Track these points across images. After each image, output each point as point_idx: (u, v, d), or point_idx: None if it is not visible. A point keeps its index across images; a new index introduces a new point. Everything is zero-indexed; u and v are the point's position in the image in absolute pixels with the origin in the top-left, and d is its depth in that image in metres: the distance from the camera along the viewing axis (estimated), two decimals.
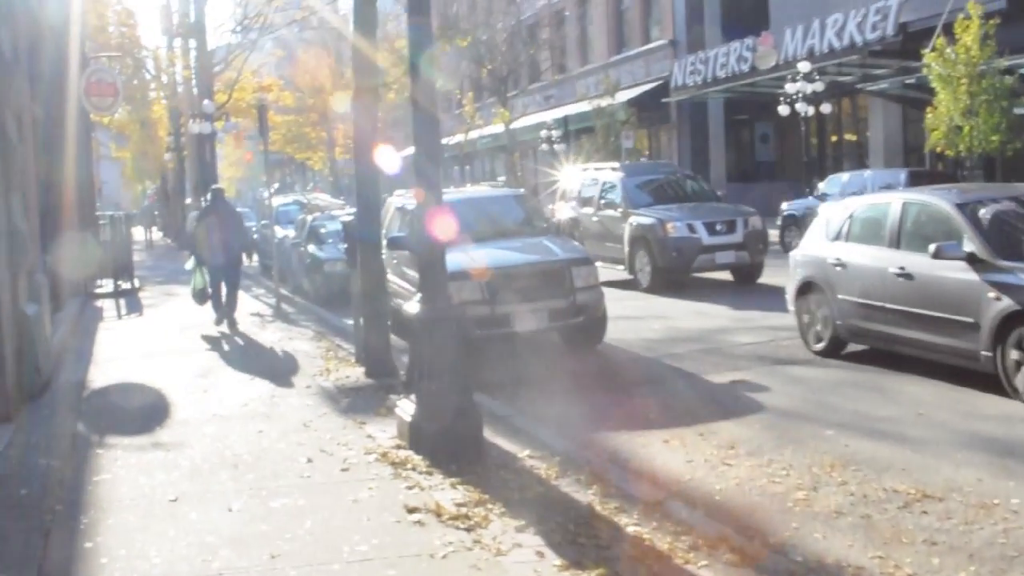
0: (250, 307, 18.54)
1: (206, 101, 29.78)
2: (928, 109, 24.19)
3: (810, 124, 30.43)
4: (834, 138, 35.53)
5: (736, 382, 9.84)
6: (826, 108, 29.08)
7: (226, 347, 13.87)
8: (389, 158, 11.35)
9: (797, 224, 24.88)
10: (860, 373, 9.95)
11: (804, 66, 28.32)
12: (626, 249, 18.34)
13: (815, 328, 10.82)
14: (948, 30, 25.73)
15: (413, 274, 12.03)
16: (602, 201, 19.62)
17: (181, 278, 20.04)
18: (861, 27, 28.54)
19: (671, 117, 41.04)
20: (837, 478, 6.62)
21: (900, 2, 27.09)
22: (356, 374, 10.68)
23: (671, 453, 7.55)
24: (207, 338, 14.62)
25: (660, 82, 40.39)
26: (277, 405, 9.46)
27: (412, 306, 7.78)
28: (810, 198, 25.37)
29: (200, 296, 15.87)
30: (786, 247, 24.97)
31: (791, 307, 11.30)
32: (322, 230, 20.30)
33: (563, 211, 19.85)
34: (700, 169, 39.80)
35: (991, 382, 8.50)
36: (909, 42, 27.78)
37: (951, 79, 23.44)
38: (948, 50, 23.58)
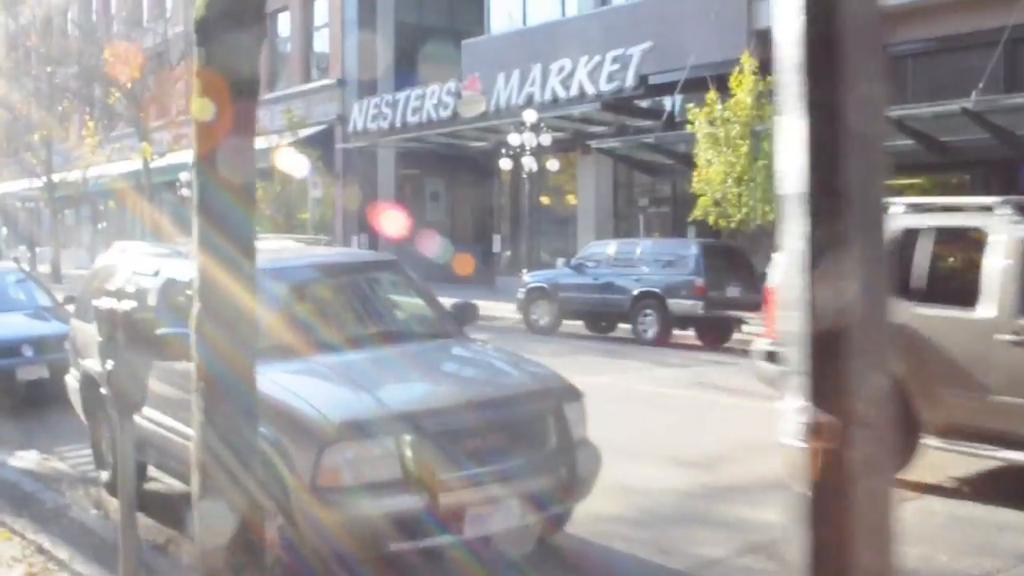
0: None
1: None
2: (695, 172, 21.11)
3: (521, 183, 26.74)
4: (527, 199, 32.16)
5: None
6: (554, 165, 25.39)
7: None
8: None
9: (547, 298, 20.76)
10: None
11: (530, 115, 24.48)
12: None
13: None
14: (691, 87, 23.19)
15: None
16: None
17: None
18: (594, 76, 25.29)
19: (335, 166, 35.75)
20: None
21: (644, 51, 24.05)
22: None
23: None
24: None
25: (324, 126, 35.26)
26: None
27: None
28: (564, 268, 21.32)
29: None
30: (532, 326, 20.77)
31: None
32: None
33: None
34: (366, 227, 35.03)
35: None
36: (650, 96, 24.99)
37: (723, 140, 20.50)
38: (718, 107, 20.67)
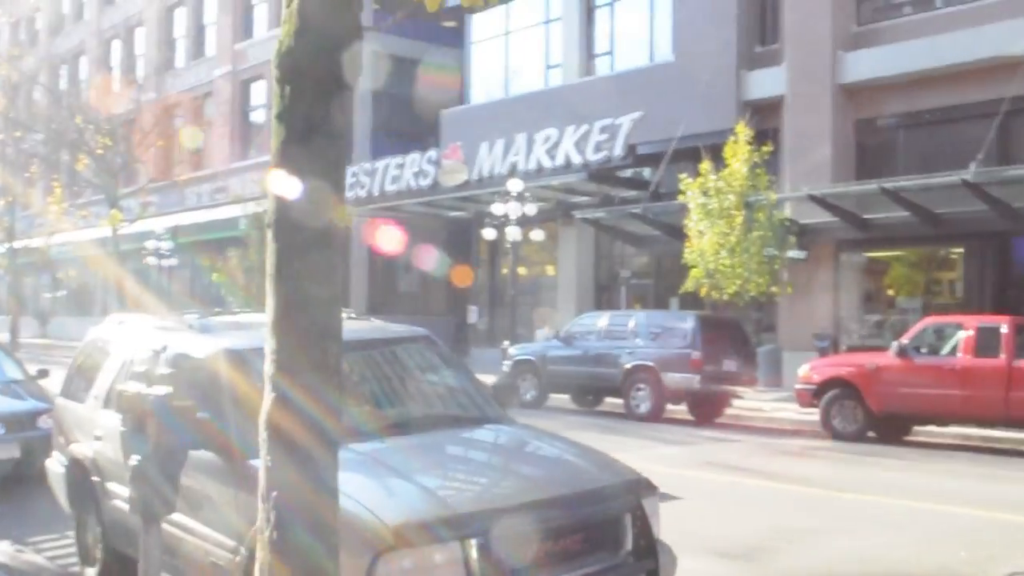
0: None
1: None
2: (687, 244, 20.66)
3: (500, 253, 26.18)
4: (504, 270, 31.54)
5: None
6: (539, 235, 24.85)
7: None
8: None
9: (534, 371, 20.08)
10: None
11: (515, 184, 23.96)
12: None
13: None
14: (679, 157, 22.89)
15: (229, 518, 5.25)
16: None
17: None
18: (580, 146, 24.91)
19: None
20: None
21: (634, 120, 23.72)
22: None
23: None
24: None
25: None
26: None
27: None
28: (552, 340, 20.65)
29: None
30: (518, 400, 19.99)
31: None
32: None
33: None
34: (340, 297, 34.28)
35: None
36: (638, 166, 24.65)
37: (716, 210, 20.10)
38: (712, 177, 20.32)
